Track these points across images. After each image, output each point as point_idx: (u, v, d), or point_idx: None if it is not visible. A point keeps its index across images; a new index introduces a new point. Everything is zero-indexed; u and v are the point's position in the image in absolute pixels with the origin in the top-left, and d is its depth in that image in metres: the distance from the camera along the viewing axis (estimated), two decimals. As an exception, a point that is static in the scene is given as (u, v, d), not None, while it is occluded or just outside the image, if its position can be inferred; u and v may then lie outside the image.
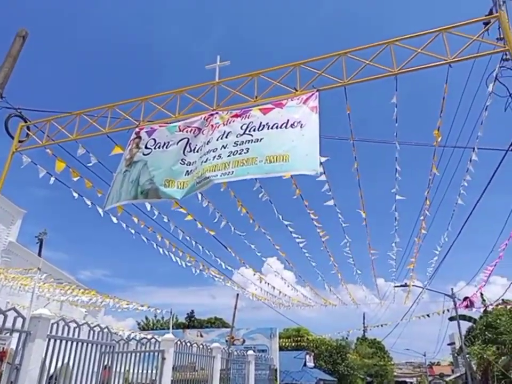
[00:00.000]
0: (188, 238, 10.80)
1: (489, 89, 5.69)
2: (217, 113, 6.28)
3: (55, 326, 10.25)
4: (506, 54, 5.26)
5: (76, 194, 8.52)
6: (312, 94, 5.75)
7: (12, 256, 23.57)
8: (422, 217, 9.78)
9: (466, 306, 20.79)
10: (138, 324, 45.29)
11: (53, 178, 8.04)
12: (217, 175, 5.48)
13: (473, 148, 7.07)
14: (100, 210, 8.04)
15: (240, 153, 5.54)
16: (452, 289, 22.33)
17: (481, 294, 23.47)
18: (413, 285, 20.38)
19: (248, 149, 5.54)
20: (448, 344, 37.87)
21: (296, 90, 6.02)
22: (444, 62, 5.28)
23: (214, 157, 5.66)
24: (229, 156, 5.58)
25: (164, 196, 5.93)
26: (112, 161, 8.04)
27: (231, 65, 6.81)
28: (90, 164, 7.57)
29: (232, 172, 5.43)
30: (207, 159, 5.71)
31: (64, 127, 7.44)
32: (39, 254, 28.84)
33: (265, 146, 5.44)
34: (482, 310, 23.34)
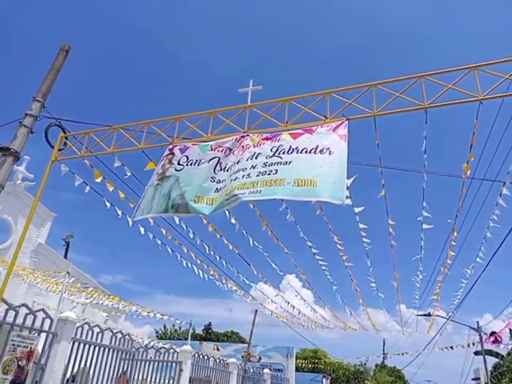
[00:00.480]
0: (212, 252, 11.01)
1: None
2: (248, 135, 6.51)
3: (79, 329, 10.61)
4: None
5: (108, 204, 8.91)
6: (342, 123, 5.90)
7: (40, 257, 24.49)
8: (449, 248, 9.61)
9: (493, 342, 19.97)
10: (156, 332, 45.64)
11: (88, 187, 8.48)
12: (245, 193, 5.66)
13: (504, 183, 7.00)
14: (130, 220, 8.37)
15: (269, 174, 5.72)
16: (478, 322, 21.47)
17: (510, 330, 22.53)
18: (437, 315, 19.80)
19: (277, 170, 5.71)
20: (473, 379, 36.17)
21: (326, 118, 6.18)
22: (475, 99, 5.33)
23: (243, 176, 5.86)
24: (257, 175, 5.77)
25: (193, 211, 6.15)
26: (145, 175, 8.41)
27: (254, 77, 7.10)
28: (126, 177, 7.96)
29: (260, 190, 5.60)
30: (236, 178, 5.92)
31: (102, 140, 7.86)
32: (65, 256, 29.76)
33: (294, 170, 5.60)
34: (510, 346, 22.36)
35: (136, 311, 18.49)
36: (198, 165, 6.54)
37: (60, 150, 8.76)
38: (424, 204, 8.12)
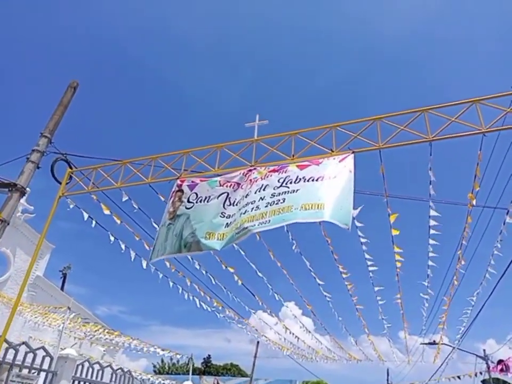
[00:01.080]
0: (217, 283, 10.89)
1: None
2: (255, 168, 6.61)
3: (79, 367, 10.31)
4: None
5: (112, 238, 8.88)
6: (348, 156, 6.02)
7: (38, 291, 24.08)
8: (454, 278, 9.58)
9: (501, 371, 19.54)
10: (154, 366, 44.36)
11: (94, 222, 8.48)
12: (254, 225, 5.70)
13: (507, 211, 7.08)
14: (144, 263, 8.38)
15: (276, 203, 5.80)
16: (484, 350, 21.09)
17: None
18: (443, 343, 19.44)
19: (285, 199, 5.80)
20: (481, 410, 35.14)
21: (332, 151, 6.30)
22: (478, 131, 5.49)
23: (252, 209, 5.93)
24: (266, 206, 5.85)
25: (204, 248, 6.17)
26: (152, 209, 8.46)
27: (257, 110, 7.26)
28: (135, 211, 7.99)
29: (269, 220, 5.65)
30: (245, 211, 5.97)
31: (110, 175, 7.93)
32: (62, 288, 29.26)
33: (301, 196, 5.70)
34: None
35: (137, 346, 18.05)
36: (207, 202, 6.60)
37: (66, 183, 8.83)
38: (431, 231, 8.15)
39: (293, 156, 6.61)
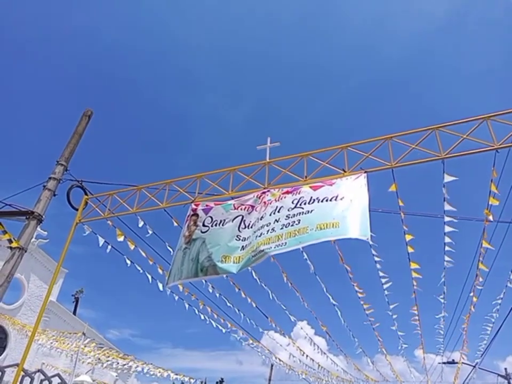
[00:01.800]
0: (231, 305, 10.84)
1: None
2: (268, 191, 6.67)
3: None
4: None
5: (129, 262, 8.95)
6: (361, 175, 6.06)
7: (51, 316, 24.11)
8: (472, 295, 9.42)
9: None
10: (167, 390, 43.66)
11: (109, 247, 8.57)
12: (271, 247, 5.71)
13: (524, 226, 7.01)
14: (160, 286, 8.44)
15: (292, 225, 5.81)
16: (506, 369, 20.45)
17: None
18: (463, 363, 18.91)
19: (300, 220, 5.81)
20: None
21: (345, 171, 6.35)
22: (491, 148, 5.50)
23: (268, 231, 5.95)
24: (281, 228, 5.86)
25: (221, 272, 6.18)
26: (167, 233, 8.54)
27: (264, 132, 7.35)
28: (148, 235, 8.08)
29: (285, 243, 5.65)
30: (261, 234, 5.99)
31: (125, 201, 8.05)
32: (74, 313, 29.25)
33: (316, 216, 5.71)
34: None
35: (149, 370, 17.87)
36: (222, 225, 6.64)
37: (76, 208, 8.97)
38: (447, 248, 8.07)
39: (306, 177, 6.66)
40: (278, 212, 6.18)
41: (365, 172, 6.15)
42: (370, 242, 7.85)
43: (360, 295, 10.38)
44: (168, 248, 8.38)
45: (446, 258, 8.32)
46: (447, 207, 6.53)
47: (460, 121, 5.94)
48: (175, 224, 7.83)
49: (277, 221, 6.04)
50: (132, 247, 8.31)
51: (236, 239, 6.36)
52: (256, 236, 6.04)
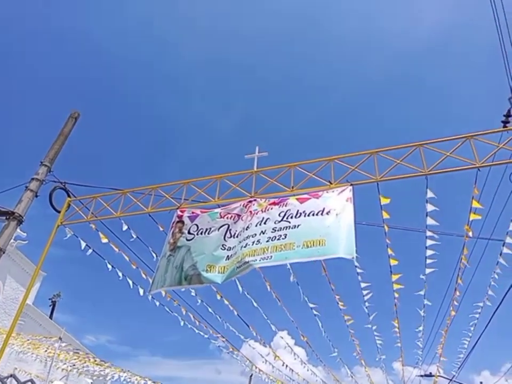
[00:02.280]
0: (212, 312, 10.77)
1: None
2: (255, 200, 6.69)
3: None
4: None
5: (110, 266, 8.83)
6: (346, 188, 6.15)
7: (27, 319, 23.46)
8: (451, 309, 9.58)
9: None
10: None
11: (90, 250, 8.45)
12: (256, 260, 5.70)
13: (503, 242, 7.20)
14: (141, 291, 8.34)
15: (278, 239, 5.81)
16: (481, 383, 20.80)
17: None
18: (439, 376, 19.14)
19: (286, 234, 5.81)
20: None
21: (331, 183, 6.43)
22: (473, 166, 5.66)
23: (253, 242, 5.93)
24: (267, 241, 5.85)
25: (205, 281, 6.14)
26: (151, 239, 8.47)
27: (254, 141, 7.41)
28: (132, 240, 8.00)
29: (271, 256, 5.64)
30: (246, 244, 5.98)
31: (109, 204, 7.96)
32: (51, 317, 28.56)
33: (302, 232, 5.72)
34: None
35: (126, 378, 17.54)
36: (208, 234, 6.62)
37: (59, 211, 8.83)
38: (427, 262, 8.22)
39: (293, 187, 6.72)
40: (265, 223, 6.18)
41: (351, 185, 6.24)
42: (356, 264, 7.98)
43: (341, 307, 10.46)
44: (152, 253, 8.30)
45: (427, 271, 8.47)
46: (430, 221, 6.67)
47: (444, 139, 6.10)
48: (161, 229, 7.77)
49: (263, 232, 6.04)
50: (116, 250, 8.21)
51: (221, 248, 6.33)
52: (242, 246, 6.03)
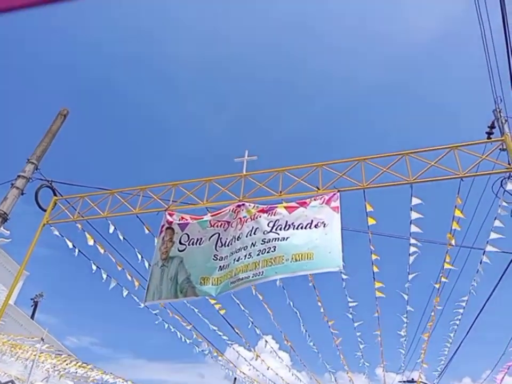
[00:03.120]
0: (199, 315, 10.75)
1: (500, 203, 6.14)
2: (243, 204, 6.73)
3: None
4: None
5: (94, 267, 8.76)
6: (334, 194, 6.24)
7: (8, 320, 22.99)
8: (432, 313, 9.74)
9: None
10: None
11: (77, 250, 8.38)
12: (249, 276, 5.88)
13: (483, 251, 7.37)
14: (125, 292, 8.31)
15: (268, 252, 5.95)
16: (462, 388, 21.06)
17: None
18: (421, 382, 19.34)
19: (275, 247, 5.95)
20: None
21: (318, 189, 6.52)
22: (456, 176, 5.82)
23: (245, 256, 6.07)
24: (258, 254, 6.00)
25: (200, 294, 6.30)
26: (138, 240, 8.44)
27: (244, 143, 7.48)
28: (118, 242, 7.96)
29: (262, 272, 5.82)
30: (239, 258, 6.11)
31: (97, 204, 7.92)
32: (32, 317, 28.04)
33: (291, 245, 5.87)
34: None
35: (107, 380, 17.33)
36: (199, 244, 6.70)
37: (45, 210, 8.74)
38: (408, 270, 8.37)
39: (281, 192, 6.79)
40: (254, 233, 6.28)
41: (338, 191, 6.34)
42: (344, 276, 8.08)
43: (325, 317, 10.61)
44: (138, 254, 8.27)
45: (410, 277, 8.62)
46: (414, 228, 6.81)
47: (429, 148, 6.26)
48: (146, 231, 7.75)
49: (253, 244, 6.15)
50: (102, 251, 8.15)
51: (213, 259, 6.44)
52: (234, 259, 6.15)
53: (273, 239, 6.02)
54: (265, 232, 6.14)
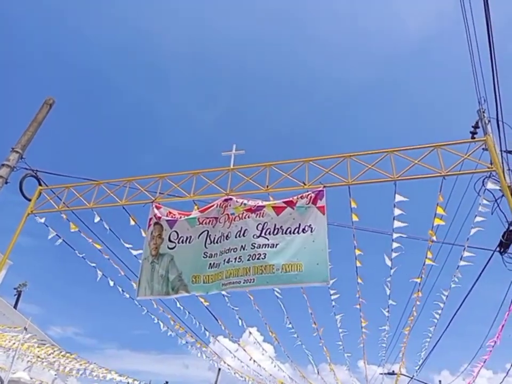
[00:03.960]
0: (181, 307, 10.78)
1: (480, 201, 6.29)
2: (231, 199, 6.77)
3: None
4: (493, 174, 5.93)
5: (80, 255, 8.75)
6: (320, 191, 6.31)
7: (-10, 308, 22.71)
8: (413, 309, 9.97)
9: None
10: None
11: (60, 240, 8.33)
12: (240, 282, 6.03)
13: (464, 247, 7.56)
14: (111, 282, 8.32)
15: (258, 258, 6.09)
16: (440, 381, 21.68)
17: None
18: (401, 374, 19.81)
19: (265, 254, 6.08)
20: None
21: (305, 184, 6.61)
22: (439, 174, 5.95)
23: (236, 259, 6.20)
24: (248, 259, 6.13)
25: (192, 291, 6.42)
26: (122, 231, 8.42)
27: (233, 137, 7.52)
28: (107, 232, 7.94)
29: (253, 279, 5.97)
30: (229, 259, 6.23)
31: (82, 195, 7.87)
32: (15, 307, 27.75)
33: (281, 254, 6.01)
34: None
35: (91, 371, 17.33)
36: (189, 242, 6.76)
37: (30, 199, 8.64)
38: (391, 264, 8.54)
39: (267, 186, 6.85)
40: (243, 235, 6.38)
41: (324, 187, 6.43)
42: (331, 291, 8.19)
43: (310, 311, 10.79)
44: (124, 244, 8.23)
45: (391, 271, 8.80)
46: (397, 224, 6.95)
47: (413, 147, 6.38)
48: (132, 222, 7.75)
49: (243, 248, 6.25)
50: (89, 240, 8.13)
51: (204, 256, 6.52)
52: (224, 260, 6.26)
53: (263, 245, 6.15)
54: (255, 236, 6.26)
